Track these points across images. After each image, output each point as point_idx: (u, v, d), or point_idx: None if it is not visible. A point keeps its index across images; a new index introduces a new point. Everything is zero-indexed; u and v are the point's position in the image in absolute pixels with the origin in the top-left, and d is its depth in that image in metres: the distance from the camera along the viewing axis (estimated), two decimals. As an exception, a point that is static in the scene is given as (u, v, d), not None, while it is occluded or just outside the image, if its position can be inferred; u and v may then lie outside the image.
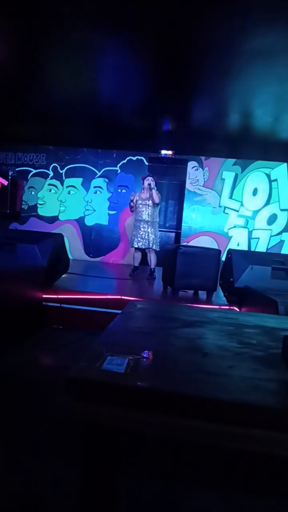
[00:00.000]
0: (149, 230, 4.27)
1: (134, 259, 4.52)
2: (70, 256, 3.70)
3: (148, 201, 4.28)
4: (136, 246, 4.33)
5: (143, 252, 4.45)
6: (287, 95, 3.43)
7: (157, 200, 4.27)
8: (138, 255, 4.48)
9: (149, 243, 4.27)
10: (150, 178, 4.32)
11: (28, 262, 2.87)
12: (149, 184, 4.25)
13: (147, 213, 4.29)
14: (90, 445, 0.73)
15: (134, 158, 6.06)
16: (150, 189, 4.23)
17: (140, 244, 4.30)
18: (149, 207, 4.30)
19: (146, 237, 4.27)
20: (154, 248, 4.32)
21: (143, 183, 4.39)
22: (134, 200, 4.34)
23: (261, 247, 5.86)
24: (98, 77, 3.45)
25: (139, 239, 4.30)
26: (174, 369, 0.78)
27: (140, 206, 4.33)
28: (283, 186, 5.76)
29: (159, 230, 4.53)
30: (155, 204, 4.31)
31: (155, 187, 4.25)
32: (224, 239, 5.91)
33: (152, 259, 4.42)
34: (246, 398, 0.65)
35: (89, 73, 3.36)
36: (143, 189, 4.38)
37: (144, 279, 4.32)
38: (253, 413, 0.63)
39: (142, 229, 4.29)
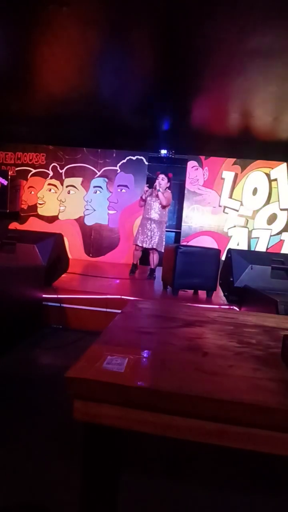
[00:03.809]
0: (155, 230, 4.21)
1: (134, 256, 4.48)
2: (69, 256, 3.69)
3: (158, 199, 4.20)
4: (140, 244, 4.25)
5: (144, 250, 4.38)
6: (287, 95, 3.43)
7: (164, 202, 4.16)
8: (138, 253, 4.43)
9: (153, 244, 4.20)
10: (161, 176, 4.18)
11: (28, 262, 2.87)
12: (155, 186, 4.16)
13: (155, 211, 4.22)
14: (90, 445, 0.73)
15: (134, 158, 6.05)
16: (157, 190, 4.15)
17: (144, 243, 4.22)
18: (158, 206, 4.21)
19: (151, 236, 4.20)
20: (158, 249, 4.25)
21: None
22: (145, 195, 4.22)
23: (261, 247, 5.86)
24: (98, 76, 3.45)
25: (143, 238, 4.22)
26: (174, 368, 0.78)
27: (150, 203, 4.25)
28: (283, 186, 5.76)
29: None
30: (163, 206, 4.22)
31: (160, 189, 4.14)
32: (224, 239, 5.91)
33: (155, 259, 4.37)
34: (246, 397, 0.65)
35: (89, 73, 3.36)
36: (154, 187, 4.25)
37: (144, 278, 4.31)
38: (253, 413, 0.63)
39: (148, 228, 4.22)
